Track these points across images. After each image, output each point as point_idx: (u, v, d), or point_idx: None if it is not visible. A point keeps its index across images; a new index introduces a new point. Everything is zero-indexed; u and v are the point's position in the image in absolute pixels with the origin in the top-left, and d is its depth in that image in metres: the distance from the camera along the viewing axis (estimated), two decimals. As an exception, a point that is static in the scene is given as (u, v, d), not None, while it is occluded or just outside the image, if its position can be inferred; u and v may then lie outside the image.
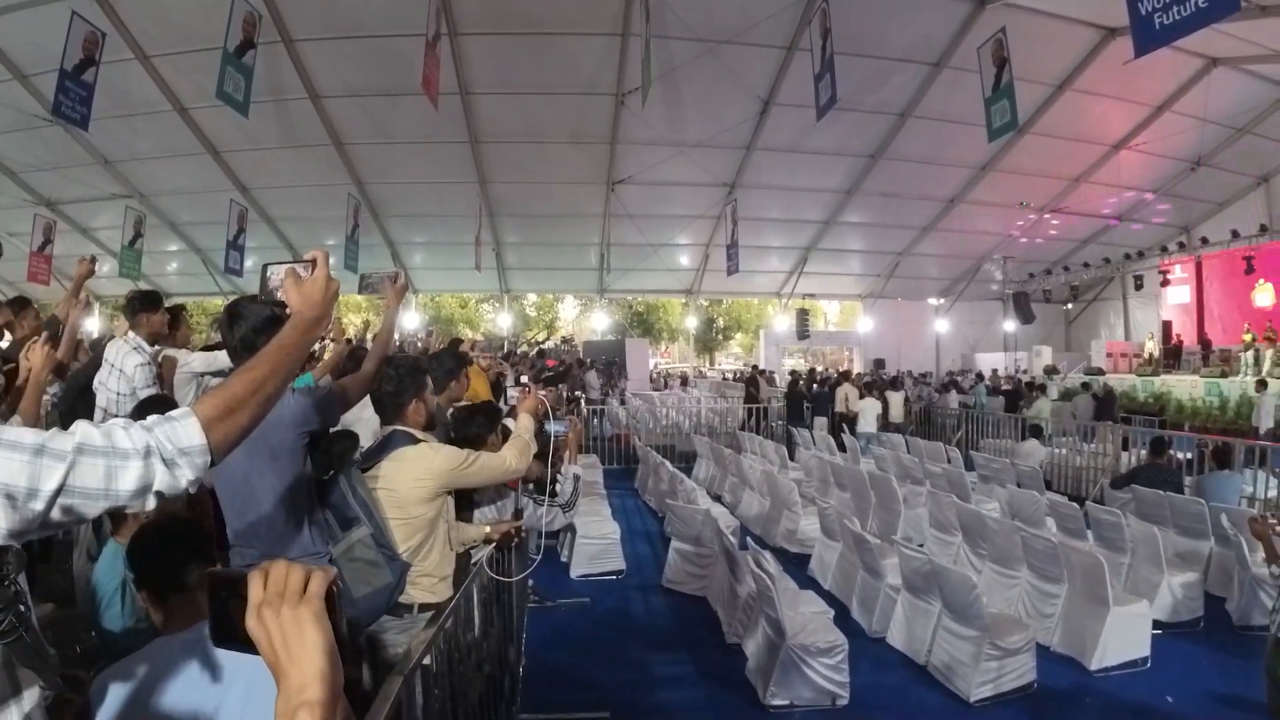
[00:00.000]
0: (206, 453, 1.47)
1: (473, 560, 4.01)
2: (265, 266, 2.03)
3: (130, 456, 1.38)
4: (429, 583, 3.49)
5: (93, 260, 5.48)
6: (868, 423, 15.89)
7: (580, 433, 5.25)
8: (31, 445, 1.30)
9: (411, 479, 3.38)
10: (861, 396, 16.73)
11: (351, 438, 3.35)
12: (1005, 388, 21.96)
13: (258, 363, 1.67)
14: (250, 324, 2.85)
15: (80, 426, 1.38)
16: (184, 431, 1.45)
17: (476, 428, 4.55)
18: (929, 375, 27.49)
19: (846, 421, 16.48)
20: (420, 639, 2.78)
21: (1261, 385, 17.80)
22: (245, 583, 1.21)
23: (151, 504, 1.43)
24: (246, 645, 1.19)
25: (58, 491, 1.30)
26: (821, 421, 17.23)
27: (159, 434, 1.43)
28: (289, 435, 2.89)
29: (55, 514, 1.31)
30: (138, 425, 1.43)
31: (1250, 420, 17.83)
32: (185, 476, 1.44)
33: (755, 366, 25.43)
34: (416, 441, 3.50)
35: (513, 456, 3.70)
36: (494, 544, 4.30)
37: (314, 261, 1.91)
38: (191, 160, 18.41)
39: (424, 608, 3.42)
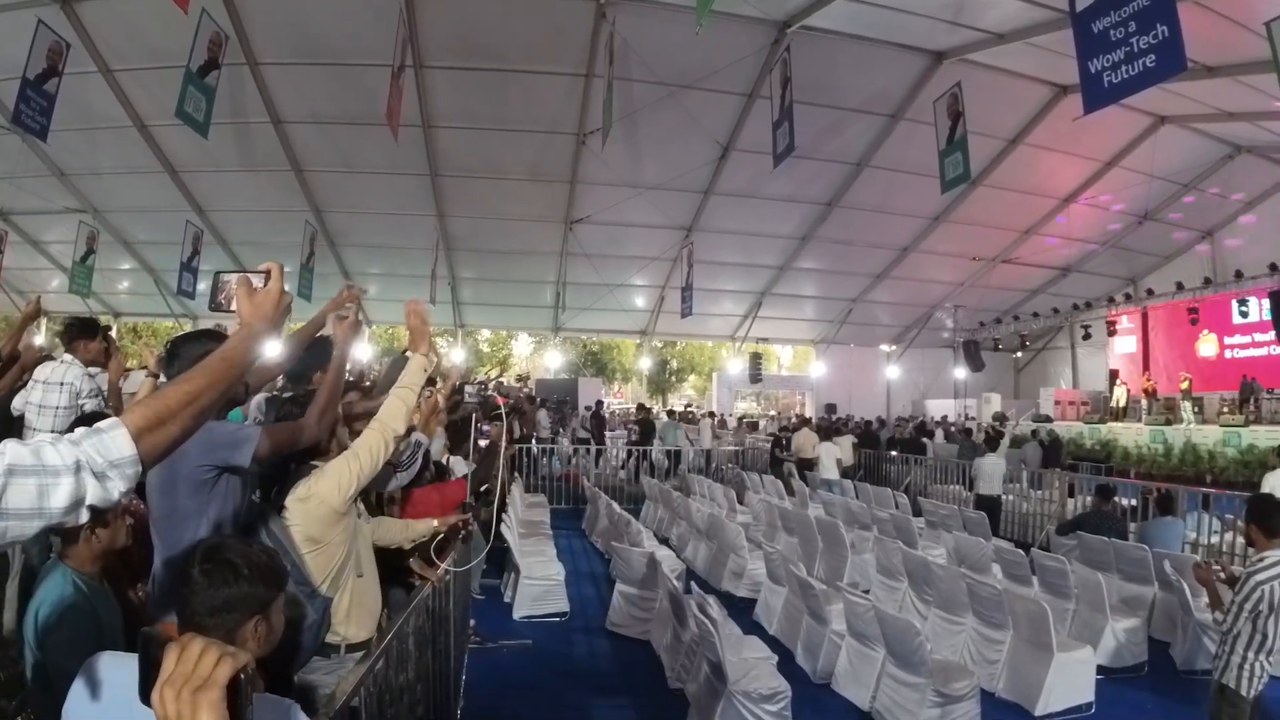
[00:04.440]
0: (137, 463, 1.45)
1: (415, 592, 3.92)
2: (218, 274, 2.00)
3: (61, 473, 1.35)
4: (357, 615, 3.37)
5: (39, 300, 5.54)
6: (828, 469, 15.64)
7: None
8: None
9: (310, 508, 3.20)
10: (820, 442, 16.56)
11: None
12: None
13: (195, 373, 1.65)
14: (186, 362, 2.84)
15: (9, 446, 1.34)
16: (113, 443, 1.43)
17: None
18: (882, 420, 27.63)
19: (805, 467, 16.41)
20: (348, 679, 2.69)
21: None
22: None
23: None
24: None
25: None
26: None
27: (87, 447, 1.40)
28: (184, 466, 2.79)
29: None
30: (65, 440, 1.41)
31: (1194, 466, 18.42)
32: (117, 488, 1.42)
33: (641, 405, 25.26)
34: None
35: (389, 417, 3.40)
36: (442, 535, 4.21)
37: (268, 272, 1.89)
38: (149, 178, 18.06)
39: (353, 647, 3.31)
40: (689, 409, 27.90)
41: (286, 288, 3.04)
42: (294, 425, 3.23)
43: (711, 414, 25.83)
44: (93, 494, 1.39)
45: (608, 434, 22.02)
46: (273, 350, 3.41)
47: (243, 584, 1.99)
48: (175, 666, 1.20)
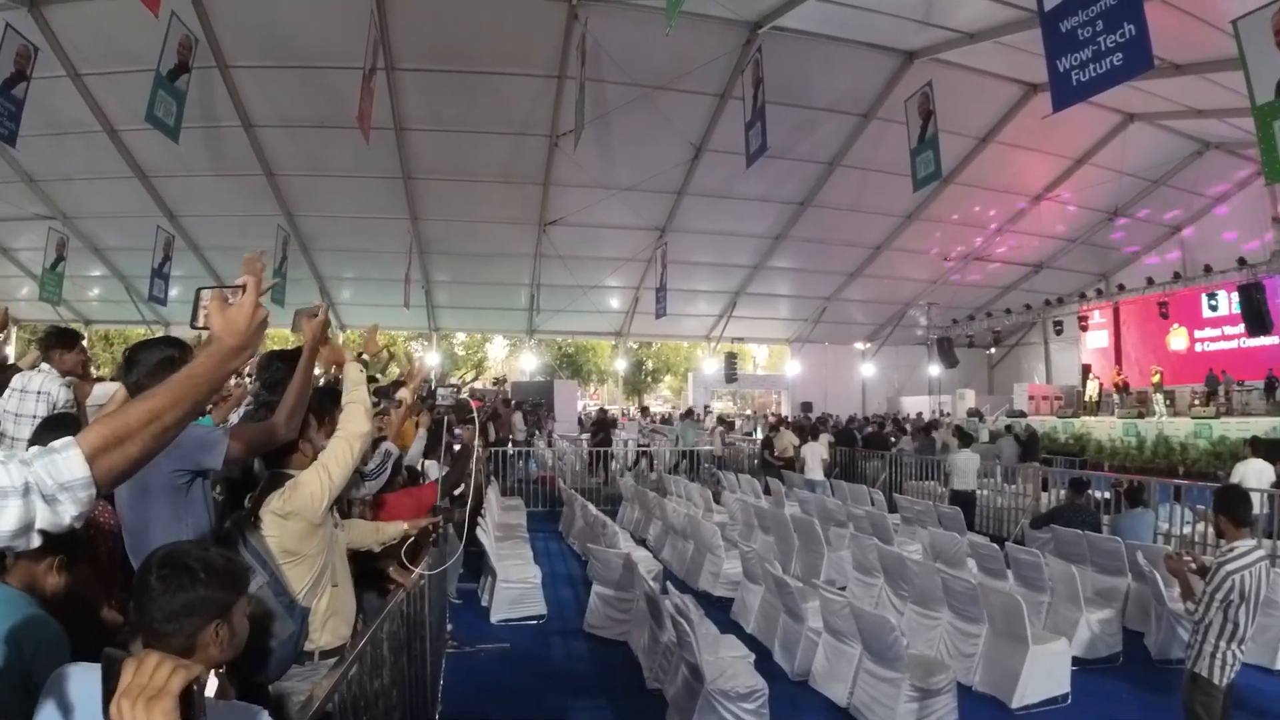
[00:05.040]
0: (90, 485, 1.37)
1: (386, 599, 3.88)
2: (199, 291, 1.89)
3: (9, 495, 1.29)
4: (333, 623, 3.33)
5: (6, 310, 5.54)
6: (813, 469, 15.42)
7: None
8: None
9: (284, 521, 3.15)
10: (803, 442, 16.40)
11: None
12: (868, 430, 21.99)
13: (159, 390, 1.55)
14: (144, 369, 2.80)
15: None
16: (65, 464, 1.35)
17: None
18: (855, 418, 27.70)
19: (785, 466, 16.39)
20: (321, 685, 2.66)
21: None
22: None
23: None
24: None
25: None
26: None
27: (38, 468, 1.33)
28: (158, 474, 2.75)
29: None
30: (16, 460, 1.34)
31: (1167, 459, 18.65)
32: (68, 512, 1.35)
33: (603, 409, 25.32)
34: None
35: (351, 423, 3.38)
36: (412, 537, 4.18)
37: (244, 286, 1.78)
38: (119, 183, 17.87)
39: (327, 654, 3.26)
40: (708, 410, 28.00)
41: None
42: (263, 426, 3.18)
43: (722, 419, 25.86)
44: (42, 518, 1.33)
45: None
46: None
47: (200, 588, 1.96)
48: (131, 679, 1.21)
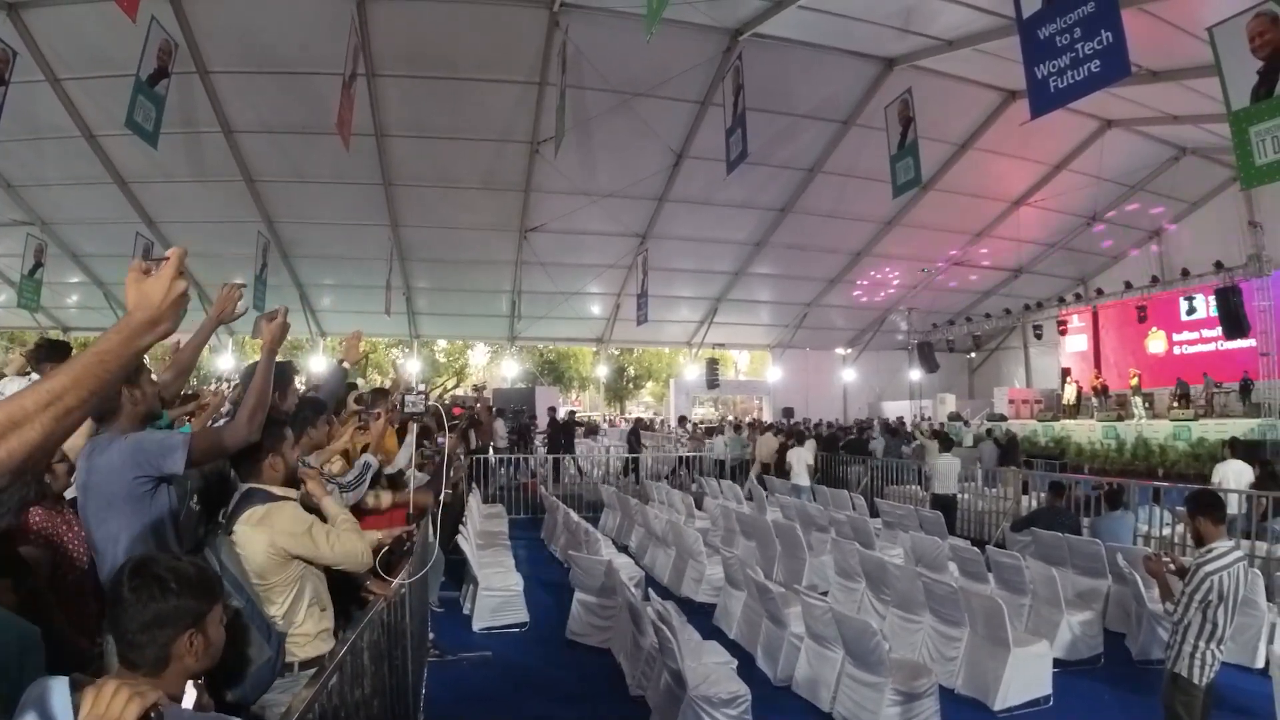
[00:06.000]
0: None
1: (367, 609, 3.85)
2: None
3: None
4: (305, 639, 3.31)
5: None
6: (799, 475, 15.32)
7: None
8: None
9: (260, 547, 3.14)
10: (788, 448, 16.33)
11: None
12: (851, 436, 21.89)
13: (61, 370, 1.44)
14: None
15: None
16: None
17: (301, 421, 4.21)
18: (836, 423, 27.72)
19: (765, 472, 16.36)
20: (301, 697, 2.63)
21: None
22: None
23: None
24: None
25: None
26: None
27: None
28: (120, 483, 2.73)
29: None
30: None
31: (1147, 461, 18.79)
32: None
33: (552, 408, 25.25)
34: (270, 500, 3.26)
35: (360, 543, 3.52)
36: (387, 547, 4.14)
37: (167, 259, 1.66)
38: (98, 189, 17.70)
39: (307, 664, 3.23)
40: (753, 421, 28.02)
41: (242, 302, 2.90)
42: (213, 431, 3.21)
43: (748, 423, 25.82)
44: None
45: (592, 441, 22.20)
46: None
47: (171, 598, 1.95)
48: (89, 708, 1.19)
